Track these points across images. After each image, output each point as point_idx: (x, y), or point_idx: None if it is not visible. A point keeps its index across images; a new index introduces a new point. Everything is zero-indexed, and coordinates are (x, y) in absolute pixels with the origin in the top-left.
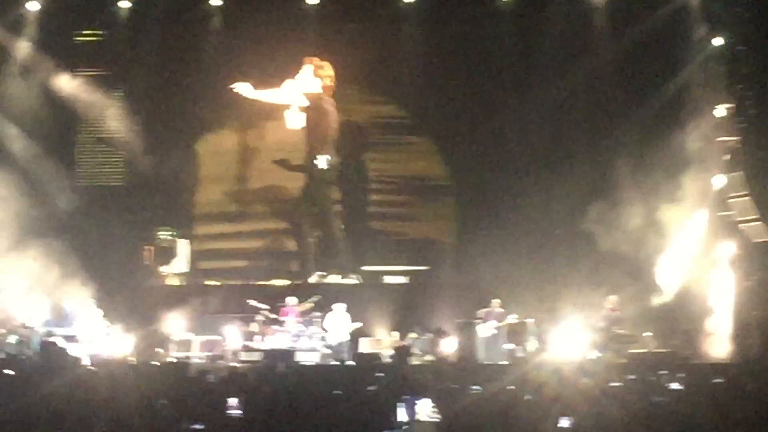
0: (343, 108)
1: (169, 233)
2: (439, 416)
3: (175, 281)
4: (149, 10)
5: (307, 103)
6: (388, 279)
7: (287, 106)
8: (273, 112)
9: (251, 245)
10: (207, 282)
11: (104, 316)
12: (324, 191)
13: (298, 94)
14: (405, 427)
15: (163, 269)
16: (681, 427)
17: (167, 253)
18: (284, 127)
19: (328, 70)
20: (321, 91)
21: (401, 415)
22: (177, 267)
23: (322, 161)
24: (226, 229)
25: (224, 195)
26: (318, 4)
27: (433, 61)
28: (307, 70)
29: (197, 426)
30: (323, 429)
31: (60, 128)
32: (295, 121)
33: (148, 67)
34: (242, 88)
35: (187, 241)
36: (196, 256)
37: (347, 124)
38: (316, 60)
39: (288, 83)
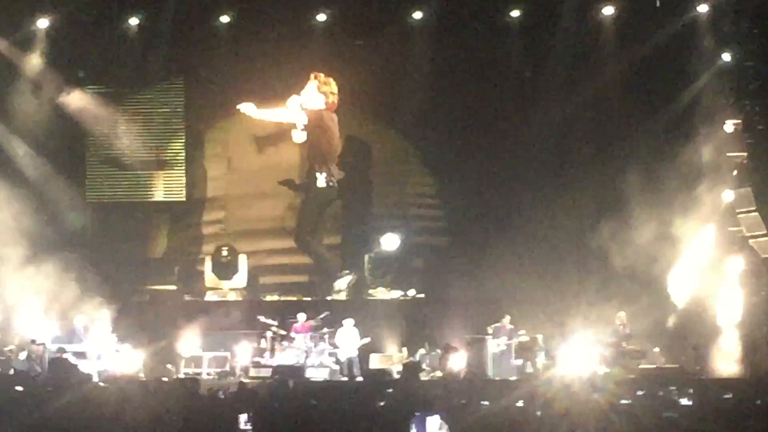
0: (347, 124)
1: (229, 248)
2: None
3: (235, 296)
4: (158, 26)
5: (305, 120)
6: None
7: (292, 125)
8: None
9: (303, 261)
10: (267, 297)
11: (117, 331)
12: (321, 209)
13: (301, 112)
14: None
15: (224, 284)
16: None
17: (228, 268)
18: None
19: (332, 86)
20: (324, 107)
21: (412, 431)
22: (237, 282)
23: (321, 179)
24: (279, 244)
25: (273, 210)
26: (326, 21)
27: (440, 77)
28: (311, 85)
29: None
30: None
31: (69, 144)
32: (300, 137)
33: (158, 84)
34: (247, 108)
35: (245, 255)
36: (255, 272)
37: (351, 140)
38: (321, 75)
39: (293, 98)
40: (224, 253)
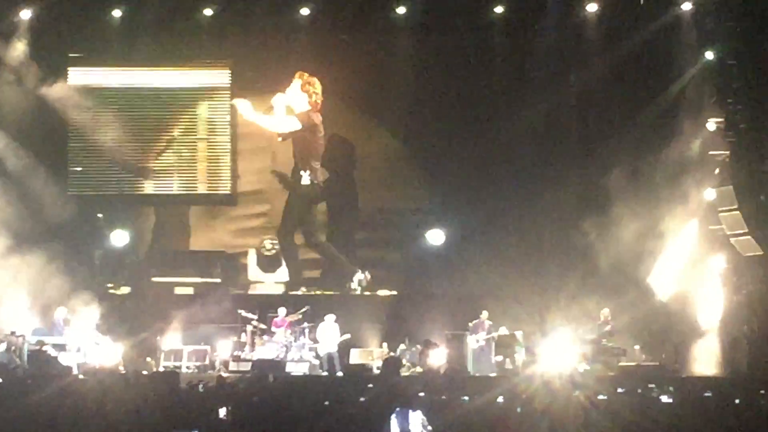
0: (333, 120)
1: (274, 242)
2: (430, 428)
3: (277, 289)
4: (141, 19)
5: (299, 125)
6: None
7: (281, 134)
8: None
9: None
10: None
11: (100, 324)
12: (306, 207)
13: (292, 118)
14: None
15: (267, 277)
16: None
17: (272, 262)
18: None
19: (316, 86)
20: (308, 107)
21: (393, 426)
22: (280, 275)
23: (306, 178)
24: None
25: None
26: (309, 15)
27: (424, 73)
28: (295, 84)
29: None
30: None
31: (51, 136)
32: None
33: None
34: (242, 106)
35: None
36: (298, 265)
37: (335, 137)
38: (305, 75)
39: (278, 97)
40: (268, 246)
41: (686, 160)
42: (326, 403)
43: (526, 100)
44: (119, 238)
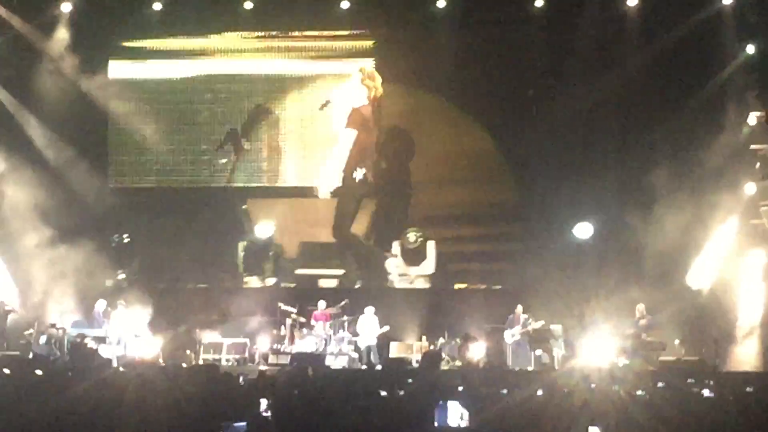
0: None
1: (418, 234)
2: (469, 422)
3: (424, 283)
4: (180, 12)
5: (348, 110)
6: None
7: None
8: None
9: (483, 247)
10: (456, 285)
11: (140, 317)
12: (355, 203)
13: (342, 98)
14: None
15: (412, 270)
16: None
17: (417, 254)
18: None
19: (377, 79)
20: (366, 101)
21: (435, 419)
22: (425, 268)
23: (359, 174)
24: (465, 232)
25: (460, 197)
26: (348, 9)
27: (463, 67)
28: (355, 78)
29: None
30: None
31: (92, 129)
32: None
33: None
34: None
35: (434, 242)
36: (443, 259)
37: (388, 131)
38: (365, 69)
39: (336, 91)
40: (412, 238)
41: (727, 154)
42: (365, 396)
43: (565, 94)
44: (263, 230)
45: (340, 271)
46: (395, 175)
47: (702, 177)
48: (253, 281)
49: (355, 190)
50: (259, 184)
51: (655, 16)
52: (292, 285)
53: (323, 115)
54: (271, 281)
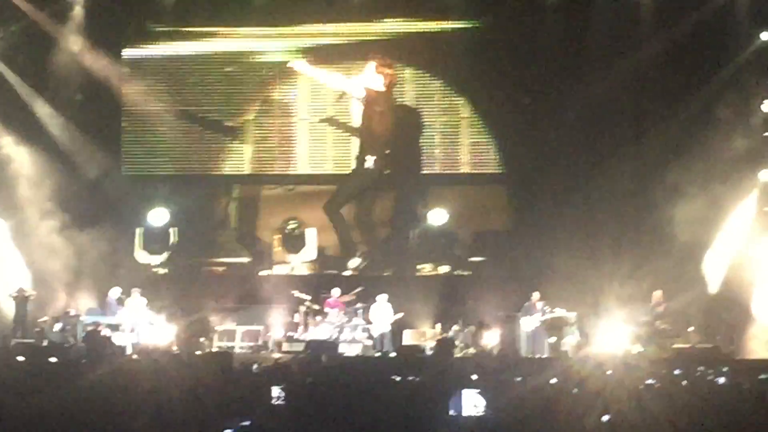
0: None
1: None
2: (484, 409)
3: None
4: (194, 5)
5: (363, 95)
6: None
7: (344, 93)
8: None
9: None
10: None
11: (152, 304)
12: (363, 190)
13: (359, 86)
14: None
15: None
16: (726, 421)
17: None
18: None
19: (389, 66)
20: (383, 88)
21: (449, 407)
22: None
23: (370, 161)
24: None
25: None
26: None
27: (478, 57)
28: (370, 66)
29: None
30: (366, 420)
31: (105, 116)
32: (357, 118)
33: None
34: (298, 65)
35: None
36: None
37: (400, 121)
38: (380, 58)
39: (352, 78)
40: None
41: (741, 142)
42: (379, 384)
43: (580, 83)
44: (437, 217)
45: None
46: (408, 163)
47: (716, 164)
48: (426, 269)
49: (365, 177)
50: (272, 172)
51: (669, 4)
52: (466, 273)
53: (341, 102)
54: (444, 269)
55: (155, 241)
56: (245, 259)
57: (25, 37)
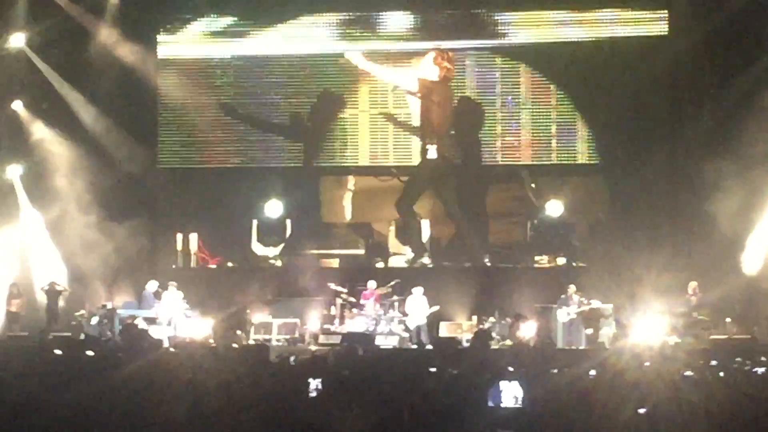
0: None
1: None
2: (522, 401)
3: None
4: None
5: (416, 88)
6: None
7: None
8: None
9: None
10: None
11: (188, 297)
12: (429, 181)
13: (413, 79)
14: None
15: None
16: (764, 412)
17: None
18: None
19: (448, 60)
20: (437, 78)
21: (487, 398)
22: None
23: (432, 151)
24: None
25: None
26: None
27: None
28: (428, 57)
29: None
30: (404, 412)
31: (141, 110)
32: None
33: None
34: (354, 57)
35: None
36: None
37: (460, 111)
38: (438, 49)
39: (408, 70)
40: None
41: None
42: (416, 376)
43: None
44: (554, 208)
45: None
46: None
47: (753, 158)
48: (543, 260)
49: (428, 167)
50: (335, 165)
51: None
52: (582, 265)
53: (395, 93)
54: (561, 261)
55: (271, 233)
56: (359, 251)
57: (61, 31)
